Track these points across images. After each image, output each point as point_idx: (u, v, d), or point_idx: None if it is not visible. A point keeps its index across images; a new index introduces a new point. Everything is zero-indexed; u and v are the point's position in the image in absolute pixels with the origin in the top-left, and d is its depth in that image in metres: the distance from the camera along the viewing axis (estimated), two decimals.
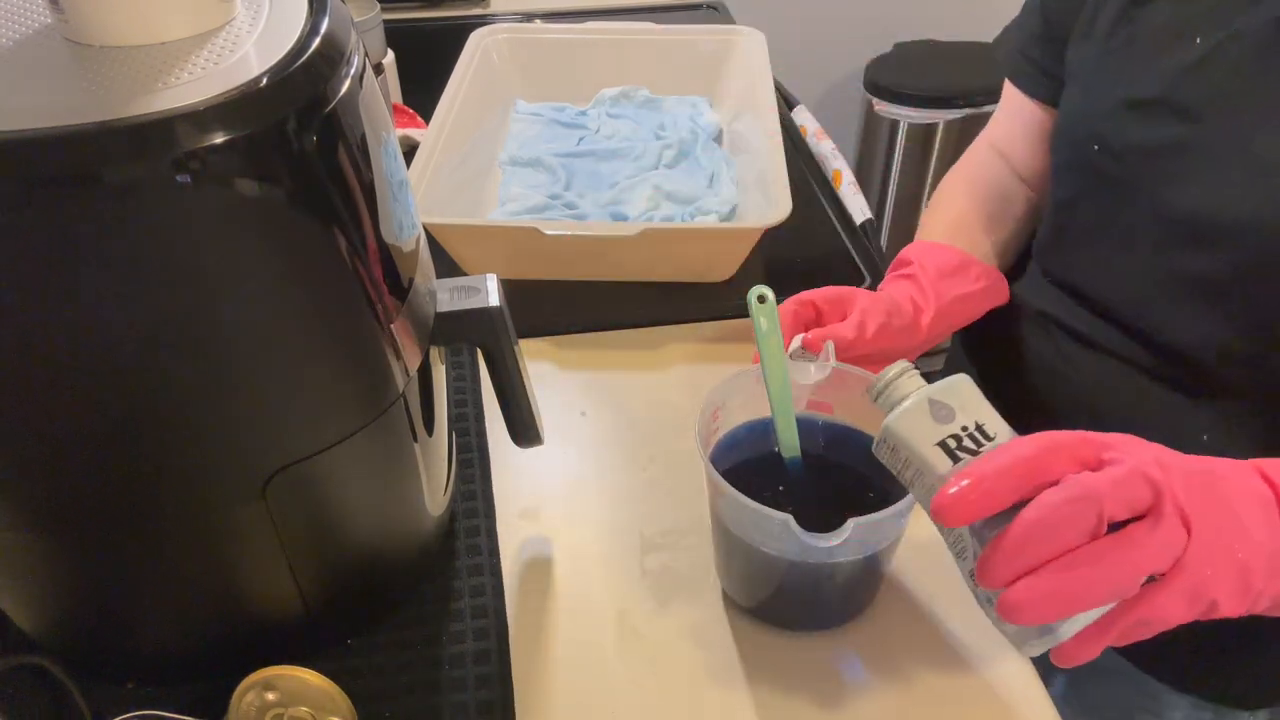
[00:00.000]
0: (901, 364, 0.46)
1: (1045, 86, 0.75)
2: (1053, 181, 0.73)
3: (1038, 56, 0.74)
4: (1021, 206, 0.78)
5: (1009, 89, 0.79)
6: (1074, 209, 0.70)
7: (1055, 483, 0.39)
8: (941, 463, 0.42)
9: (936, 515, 0.40)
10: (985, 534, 0.40)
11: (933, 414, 0.43)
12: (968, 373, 0.84)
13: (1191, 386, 0.65)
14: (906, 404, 0.44)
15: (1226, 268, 0.59)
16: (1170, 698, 0.73)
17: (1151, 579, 0.39)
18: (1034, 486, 0.39)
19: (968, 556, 0.42)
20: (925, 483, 0.42)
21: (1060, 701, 0.83)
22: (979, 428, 0.43)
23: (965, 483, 0.39)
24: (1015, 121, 0.79)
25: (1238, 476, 0.43)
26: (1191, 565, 0.39)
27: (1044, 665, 0.80)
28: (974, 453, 0.41)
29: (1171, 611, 0.39)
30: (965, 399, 0.44)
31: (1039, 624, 0.39)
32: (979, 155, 0.81)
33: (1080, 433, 0.41)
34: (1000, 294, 0.75)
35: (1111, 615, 0.39)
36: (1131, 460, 0.39)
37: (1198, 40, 0.59)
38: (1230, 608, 0.40)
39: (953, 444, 0.42)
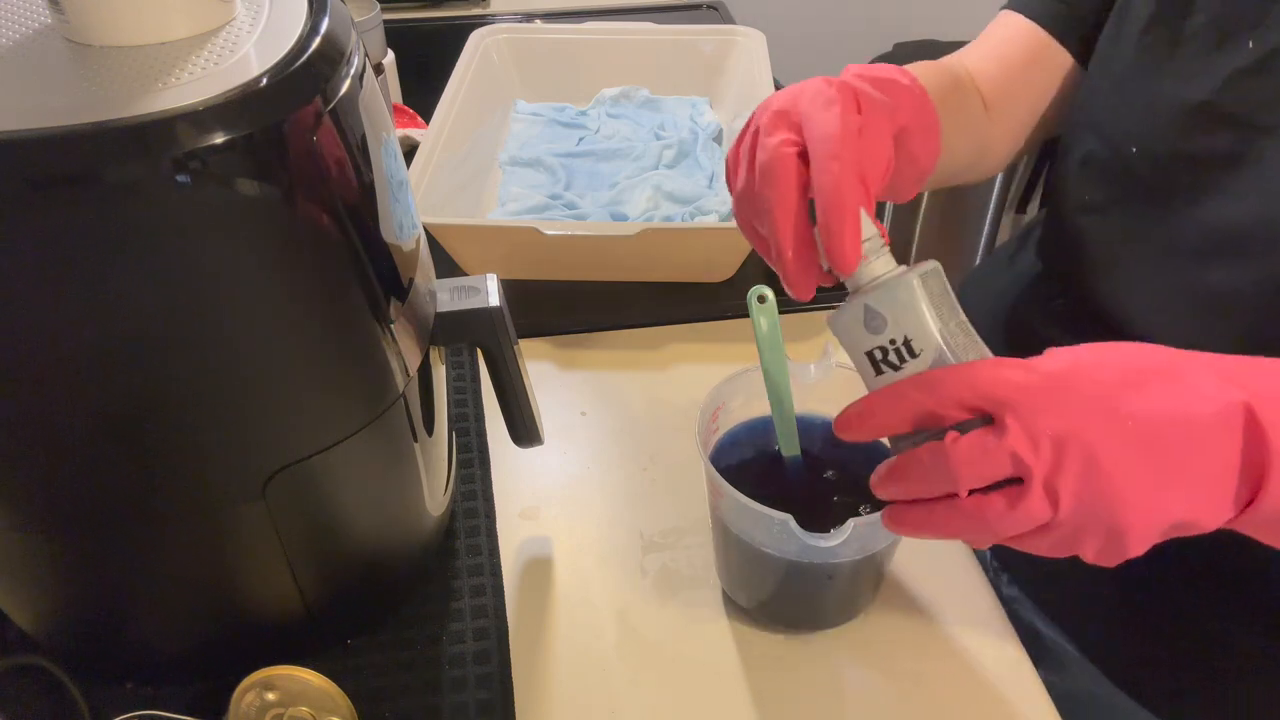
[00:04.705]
0: (876, 240, 0.44)
1: (1063, 22, 0.69)
2: (1068, 178, 0.68)
3: None
4: (978, 111, 0.69)
5: (1007, 19, 0.72)
6: (1104, 213, 0.65)
7: (942, 419, 0.41)
8: (867, 373, 0.44)
9: (836, 429, 0.45)
10: (900, 444, 0.44)
11: (866, 322, 0.44)
12: None
13: None
14: (845, 306, 0.44)
15: (1251, 280, 0.55)
16: None
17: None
18: (919, 424, 0.42)
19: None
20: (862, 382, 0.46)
21: None
22: (906, 342, 0.43)
23: (858, 411, 0.43)
24: (1009, 46, 0.71)
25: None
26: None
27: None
28: (896, 368, 0.43)
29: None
30: (902, 307, 0.43)
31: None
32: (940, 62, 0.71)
33: (970, 376, 0.41)
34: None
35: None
36: (1005, 433, 0.39)
37: (1250, 44, 0.54)
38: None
39: (879, 355, 0.43)
